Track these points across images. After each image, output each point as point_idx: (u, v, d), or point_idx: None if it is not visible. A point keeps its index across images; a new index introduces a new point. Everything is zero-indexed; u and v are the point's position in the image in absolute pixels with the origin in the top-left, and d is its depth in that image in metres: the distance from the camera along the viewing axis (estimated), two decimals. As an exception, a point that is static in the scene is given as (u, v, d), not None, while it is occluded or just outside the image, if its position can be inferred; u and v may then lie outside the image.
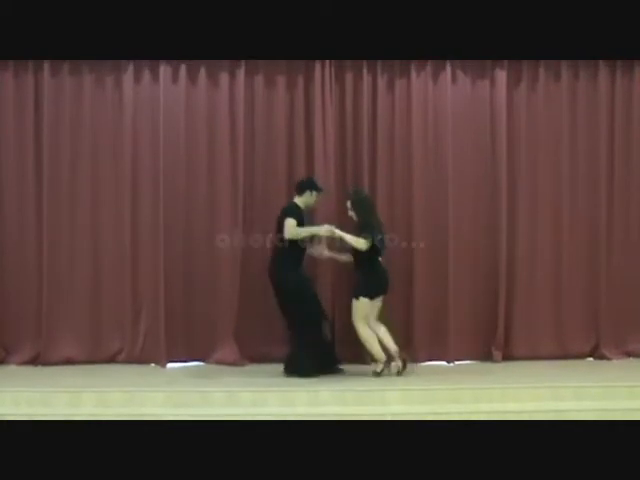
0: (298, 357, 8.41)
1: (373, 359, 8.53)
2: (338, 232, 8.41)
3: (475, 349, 9.38)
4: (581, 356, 9.45)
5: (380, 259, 8.51)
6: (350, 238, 8.36)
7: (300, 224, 8.40)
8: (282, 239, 8.41)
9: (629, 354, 9.47)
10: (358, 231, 8.40)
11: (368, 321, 8.45)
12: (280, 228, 8.41)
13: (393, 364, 8.47)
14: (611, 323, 9.43)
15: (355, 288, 8.47)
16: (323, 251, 8.75)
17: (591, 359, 9.47)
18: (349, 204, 8.57)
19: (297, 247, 8.47)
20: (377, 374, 8.39)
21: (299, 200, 8.63)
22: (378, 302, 8.50)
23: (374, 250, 8.38)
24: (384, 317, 8.65)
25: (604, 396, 7.76)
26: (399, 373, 8.44)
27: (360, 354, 8.95)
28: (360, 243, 8.30)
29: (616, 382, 8.05)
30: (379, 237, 8.40)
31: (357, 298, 8.39)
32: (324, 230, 8.47)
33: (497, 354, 9.28)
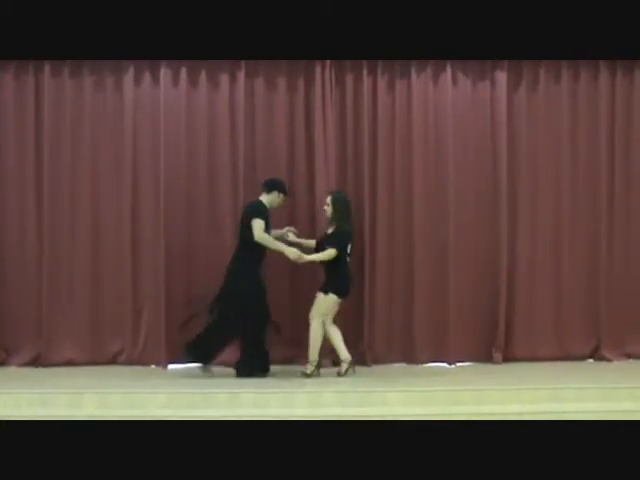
0: (248, 358, 8.46)
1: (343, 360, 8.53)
2: (306, 257, 8.42)
3: (476, 351, 9.40)
4: (581, 358, 9.47)
5: (349, 260, 8.54)
6: (319, 257, 8.44)
7: (267, 225, 8.39)
8: (244, 237, 8.38)
9: (629, 356, 9.49)
10: (330, 228, 8.54)
11: (325, 320, 8.48)
12: (244, 225, 8.38)
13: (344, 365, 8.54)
14: (611, 325, 9.44)
15: (325, 284, 8.49)
16: (289, 235, 8.74)
17: (591, 361, 9.49)
18: (329, 200, 8.57)
19: (260, 246, 8.42)
20: (306, 375, 8.41)
21: (265, 198, 8.58)
22: (339, 304, 8.54)
23: (344, 251, 8.46)
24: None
25: (604, 398, 7.74)
26: (340, 374, 8.48)
27: (363, 355, 8.99)
28: (329, 255, 8.38)
29: (616, 384, 8.04)
30: (349, 244, 8.48)
31: (326, 293, 8.43)
32: (291, 253, 8.38)
33: (498, 356, 9.29)
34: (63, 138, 9.18)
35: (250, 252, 8.42)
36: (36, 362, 9.10)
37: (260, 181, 9.08)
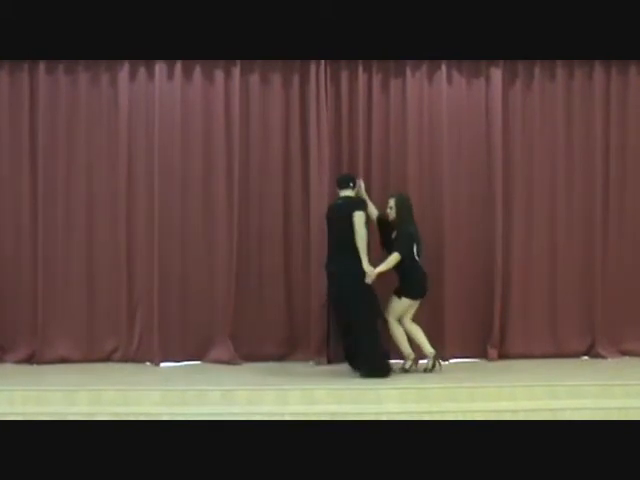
0: (373, 357, 8.34)
1: (402, 356, 8.66)
2: (375, 273, 8.31)
3: (471, 347, 9.39)
4: (576, 355, 9.47)
5: (419, 261, 8.54)
6: (386, 265, 8.40)
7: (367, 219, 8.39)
8: (344, 233, 8.31)
9: (624, 353, 9.48)
10: (394, 231, 8.54)
11: (402, 320, 8.57)
12: (345, 221, 8.28)
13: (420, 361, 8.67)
14: (606, 322, 9.44)
15: (399, 287, 8.54)
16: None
17: (586, 358, 9.47)
18: (392, 202, 8.55)
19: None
20: (405, 370, 8.54)
21: (351, 194, 8.55)
22: (416, 303, 8.60)
23: (413, 253, 8.47)
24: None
25: (599, 394, 7.76)
26: (427, 370, 8.58)
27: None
28: (395, 260, 8.39)
29: (611, 381, 8.06)
30: (415, 244, 8.47)
31: (399, 297, 8.49)
32: (367, 269, 8.24)
33: (493, 352, 9.28)
34: (58, 134, 9.16)
35: (354, 247, 8.31)
36: (31, 359, 9.08)
37: (254, 177, 9.26)
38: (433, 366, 8.58)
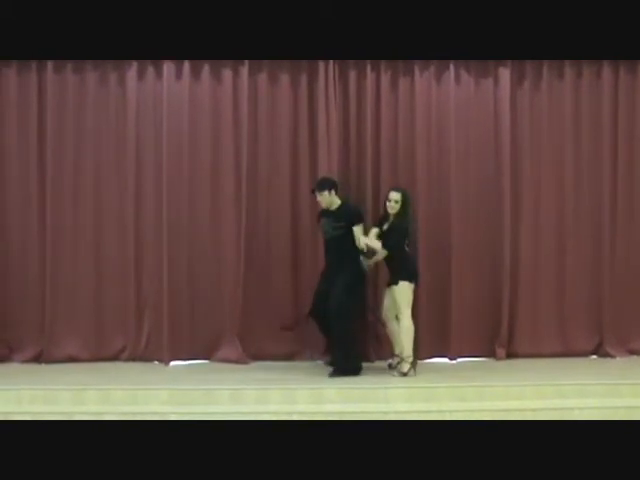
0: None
1: (397, 354, 8.49)
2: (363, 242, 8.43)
3: (478, 346, 9.37)
4: (585, 354, 9.45)
5: (408, 251, 8.47)
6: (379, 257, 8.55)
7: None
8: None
9: (632, 352, 9.44)
10: (386, 224, 8.52)
11: (390, 314, 8.49)
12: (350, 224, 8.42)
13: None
14: (615, 321, 9.42)
15: (393, 276, 8.43)
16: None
17: (595, 357, 9.46)
18: (399, 196, 8.43)
19: None
20: (404, 374, 8.26)
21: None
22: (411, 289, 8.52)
23: (402, 246, 8.44)
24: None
25: (607, 394, 7.75)
26: (391, 367, 8.54)
27: (366, 351, 8.99)
28: (381, 256, 8.48)
29: (619, 380, 8.05)
30: (407, 238, 8.44)
31: (397, 283, 8.35)
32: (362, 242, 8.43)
33: (500, 351, 9.26)
34: (66, 134, 9.17)
35: None
36: (39, 358, 9.09)
37: (263, 176, 9.25)
38: (396, 365, 8.44)
